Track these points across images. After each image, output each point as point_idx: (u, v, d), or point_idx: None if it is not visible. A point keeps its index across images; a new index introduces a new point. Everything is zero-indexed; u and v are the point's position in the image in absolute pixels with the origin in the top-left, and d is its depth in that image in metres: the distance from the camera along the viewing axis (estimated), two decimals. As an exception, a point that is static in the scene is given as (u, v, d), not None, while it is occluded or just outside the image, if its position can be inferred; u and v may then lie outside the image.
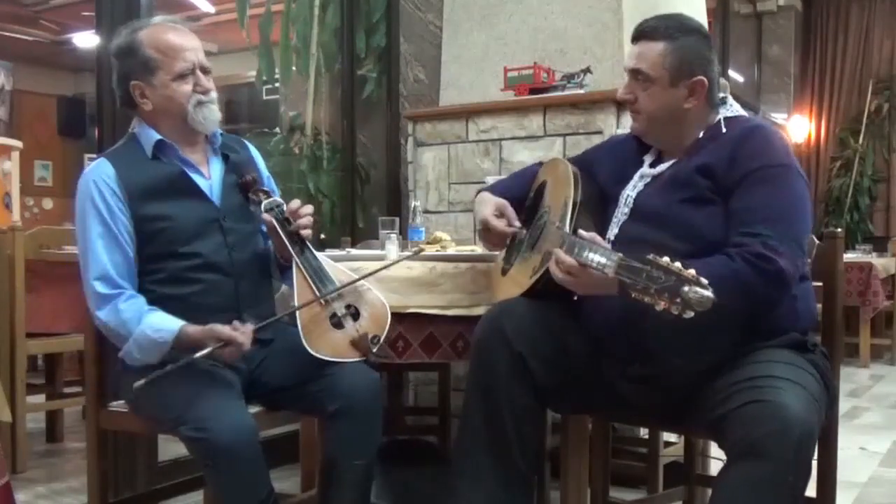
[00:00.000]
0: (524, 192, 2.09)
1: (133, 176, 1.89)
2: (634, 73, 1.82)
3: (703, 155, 1.77)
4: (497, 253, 2.10)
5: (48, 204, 10.25)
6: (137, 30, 1.94)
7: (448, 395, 3.09)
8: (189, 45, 1.93)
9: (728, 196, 1.72)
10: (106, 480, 2.05)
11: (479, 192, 2.14)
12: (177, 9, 6.68)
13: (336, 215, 4.04)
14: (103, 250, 1.84)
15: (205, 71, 1.94)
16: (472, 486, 1.80)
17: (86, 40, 8.70)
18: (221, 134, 2.04)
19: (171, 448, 2.66)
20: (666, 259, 1.43)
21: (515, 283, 1.93)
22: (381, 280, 2.02)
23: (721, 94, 1.87)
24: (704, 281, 1.39)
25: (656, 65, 1.79)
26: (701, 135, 1.82)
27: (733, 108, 1.85)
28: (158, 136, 1.93)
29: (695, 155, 1.79)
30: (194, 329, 1.80)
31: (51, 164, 10.53)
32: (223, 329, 1.77)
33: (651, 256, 1.44)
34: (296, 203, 1.98)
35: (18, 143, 6.18)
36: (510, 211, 2.01)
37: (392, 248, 2.27)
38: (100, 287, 1.83)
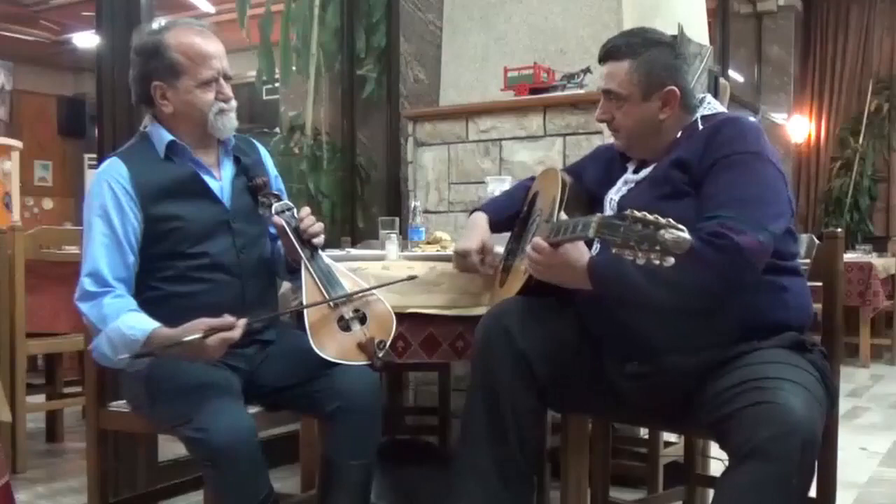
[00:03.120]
0: (518, 209, 2.13)
1: (146, 176, 1.88)
2: (607, 94, 1.85)
3: (679, 151, 1.79)
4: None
5: (48, 204, 10.24)
6: (163, 30, 1.93)
7: (448, 395, 3.09)
8: (215, 51, 1.92)
9: (700, 187, 1.72)
10: (106, 480, 2.05)
11: (473, 211, 2.17)
12: (177, 9, 6.68)
13: (336, 215, 4.04)
14: (102, 250, 1.83)
15: (227, 78, 1.94)
16: (472, 485, 1.80)
17: (86, 40, 8.69)
18: (234, 136, 2.03)
19: (171, 448, 2.65)
20: (643, 212, 1.44)
21: (511, 284, 1.96)
22: (382, 280, 2.02)
23: (700, 95, 1.88)
24: (680, 226, 1.40)
25: (625, 82, 1.80)
26: (679, 135, 1.83)
27: (711, 106, 1.86)
28: (171, 137, 1.93)
29: (672, 152, 1.81)
30: (169, 330, 1.73)
31: (51, 164, 10.51)
32: (212, 319, 1.71)
33: (628, 211, 1.45)
34: (305, 213, 1.98)
35: (18, 143, 6.18)
36: (491, 258, 2.06)
37: (392, 248, 2.27)
38: (87, 284, 1.83)
